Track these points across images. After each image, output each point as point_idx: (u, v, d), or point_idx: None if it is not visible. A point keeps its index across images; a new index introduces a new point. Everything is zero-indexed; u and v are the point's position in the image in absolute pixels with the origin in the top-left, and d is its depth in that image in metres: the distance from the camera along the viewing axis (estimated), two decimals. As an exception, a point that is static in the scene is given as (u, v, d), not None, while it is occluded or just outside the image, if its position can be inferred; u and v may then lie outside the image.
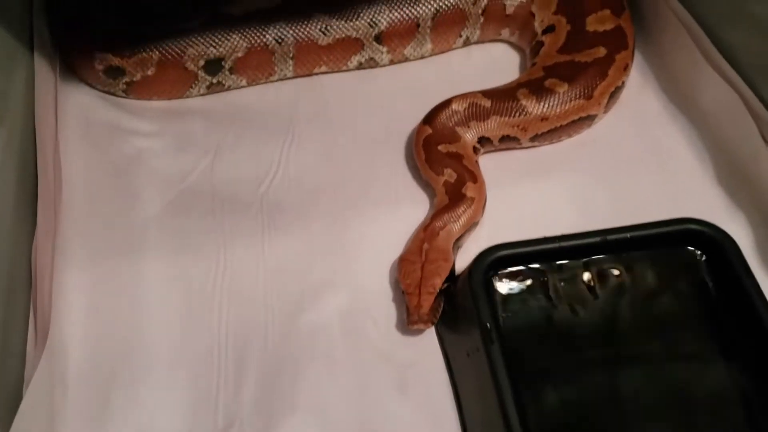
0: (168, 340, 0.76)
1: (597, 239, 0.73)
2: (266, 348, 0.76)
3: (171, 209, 0.86)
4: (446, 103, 0.90)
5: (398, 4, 0.97)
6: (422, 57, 1.02)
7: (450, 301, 0.76)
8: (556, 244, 0.73)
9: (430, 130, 0.89)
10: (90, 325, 0.77)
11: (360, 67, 1.00)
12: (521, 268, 0.74)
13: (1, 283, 0.72)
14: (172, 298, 0.80)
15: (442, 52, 1.02)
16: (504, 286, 0.74)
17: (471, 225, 0.82)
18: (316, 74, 1.00)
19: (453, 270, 0.77)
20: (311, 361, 0.75)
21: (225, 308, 0.79)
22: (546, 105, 0.89)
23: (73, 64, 0.97)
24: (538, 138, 0.90)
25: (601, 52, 0.92)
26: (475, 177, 0.84)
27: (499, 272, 0.74)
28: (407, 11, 0.97)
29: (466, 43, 1.02)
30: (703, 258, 0.74)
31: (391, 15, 0.97)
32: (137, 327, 0.77)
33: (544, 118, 0.89)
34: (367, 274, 0.81)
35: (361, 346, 0.76)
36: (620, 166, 0.89)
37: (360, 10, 0.96)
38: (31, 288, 0.77)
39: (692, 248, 0.74)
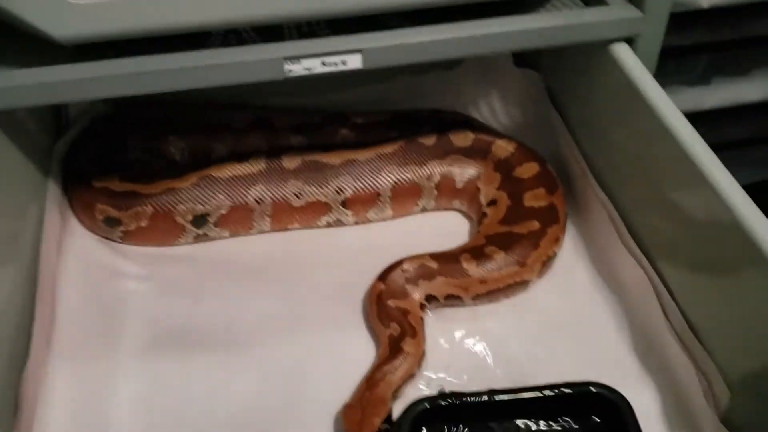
0: None
1: (506, 397, 0.84)
2: None
3: (149, 348, 0.97)
4: (399, 263, 1.03)
5: (361, 176, 1.12)
6: (383, 220, 1.16)
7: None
8: (475, 399, 0.84)
9: (383, 287, 1.01)
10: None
11: (328, 225, 1.15)
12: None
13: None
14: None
15: (402, 217, 1.17)
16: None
17: (408, 377, 0.92)
18: (290, 230, 1.15)
19: (390, 415, 0.87)
20: None
21: None
22: (484, 269, 1.02)
23: (78, 212, 1.12)
24: (478, 298, 1.03)
25: (535, 225, 1.06)
26: (415, 332, 0.96)
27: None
28: (369, 182, 1.13)
29: (423, 210, 1.17)
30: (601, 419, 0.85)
31: (355, 185, 1.12)
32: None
33: (482, 281, 1.02)
34: (316, 421, 0.91)
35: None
36: (548, 328, 1.01)
37: (329, 180, 1.12)
38: (16, 416, 0.87)
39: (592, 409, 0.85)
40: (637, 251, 1.00)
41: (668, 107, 0.92)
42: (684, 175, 0.88)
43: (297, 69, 0.90)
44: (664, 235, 0.97)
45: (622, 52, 1.00)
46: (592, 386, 0.85)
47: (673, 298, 0.94)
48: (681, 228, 0.92)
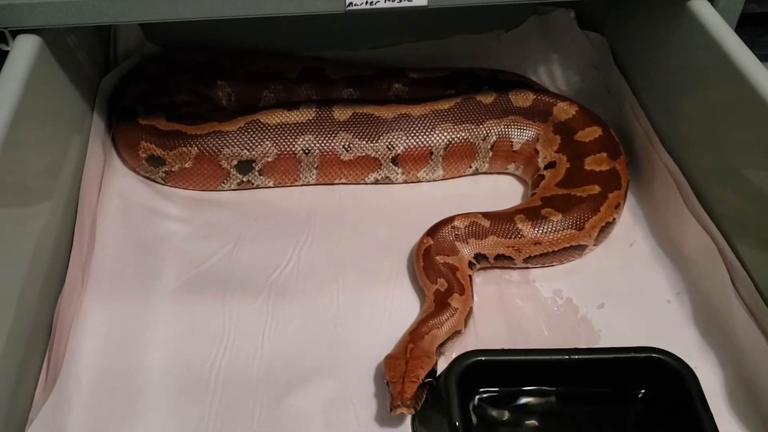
0: (161, 413, 0.82)
1: (564, 357, 0.78)
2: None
3: (187, 288, 0.94)
4: (449, 220, 0.99)
5: (414, 133, 1.08)
6: (434, 180, 1.11)
7: (428, 400, 0.81)
8: (527, 357, 0.78)
9: (431, 242, 0.97)
10: (94, 381, 0.84)
11: (376, 183, 1.10)
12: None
13: (23, 333, 0.79)
14: (173, 372, 0.86)
15: (453, 178, 1.12)
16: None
17: (453, 333, 0.88)
18: (336, 184, 1.11)
19: (435, 369, 0.83)
20: None
21: (219, 388, 0.85)
22: (539, 230, 0.97)
23: (121, 150, 1.09)
24: (530, 260, 0.98)
25: (596, 189, 1.00)
26: (463, 289, 0.91)
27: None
28: (422, 140, 1.08)
29: (476, 172, 1.12)
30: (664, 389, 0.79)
31: (407, 141, 1.08)
32: (136, 393, 0.83)
33: (537, 242, 0.97)
34: (354, 369, 0.87)
35: (340, 436, 0.81)
36: (603, 296, 0.95)
37: (380, 134, 1.07)
38: (48, 341, 0.85)
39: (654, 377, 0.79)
40: (706, 218, 0.94)
41: (761, 71, 0.86)
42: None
43: (358, 2, 0.86)
44: (740, 206, 0.91)
45: (703, 7, 0.94)
46: (654, 352, 0.78)
47: (745, 269, 0.88)
48: (765, 202, 0.86)
